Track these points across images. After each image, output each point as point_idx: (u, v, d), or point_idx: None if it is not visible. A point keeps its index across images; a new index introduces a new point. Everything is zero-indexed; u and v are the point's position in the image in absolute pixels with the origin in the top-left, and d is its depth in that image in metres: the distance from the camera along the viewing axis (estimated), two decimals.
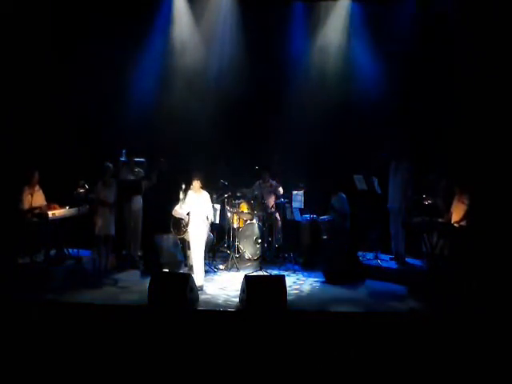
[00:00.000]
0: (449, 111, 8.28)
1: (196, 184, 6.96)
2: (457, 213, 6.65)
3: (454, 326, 5.31)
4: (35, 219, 6.88)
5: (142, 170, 7.69)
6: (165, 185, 7.84)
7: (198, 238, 6.89)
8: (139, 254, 7.72)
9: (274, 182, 8.55)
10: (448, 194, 6.86)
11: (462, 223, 6.54)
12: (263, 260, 7.84)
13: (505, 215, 6.57)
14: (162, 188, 7.86)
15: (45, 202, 7.25)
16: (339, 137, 8.88)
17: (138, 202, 7.62)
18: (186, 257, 7.56)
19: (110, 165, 7.21)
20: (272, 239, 8.29)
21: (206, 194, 7.10)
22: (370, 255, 7.84)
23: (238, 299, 6.11)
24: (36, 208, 7.01)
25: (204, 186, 7.18)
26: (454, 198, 6.78)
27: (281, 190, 8.43)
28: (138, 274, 7.25)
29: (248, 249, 8.18)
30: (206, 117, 8.81)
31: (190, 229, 7.00)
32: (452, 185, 6.86)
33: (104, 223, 6.95)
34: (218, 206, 7.88)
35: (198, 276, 6.68)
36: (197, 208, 6.96)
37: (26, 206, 7.00)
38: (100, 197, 6.99)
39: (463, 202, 6.57)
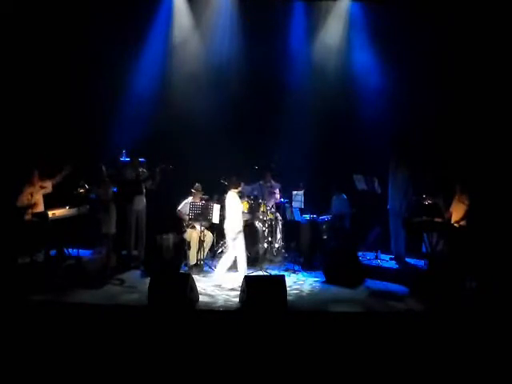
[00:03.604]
0: (449, 111, 8.29)
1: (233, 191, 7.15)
2: (457, 212, 6.65)
3: (453, 325, 5.31)
4: (35, 219, 6.89)
5: (145, 170, 7.70)
6: (167, 185, 7.85)
7: (231, 233, 7.02)
8: (136, 253, 7.70)
9: (274, 183, 8.56)
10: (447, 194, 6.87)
11: (462, 223, 6.54)
12: (263, 260, 7.84)
13: (504, 215, 6.57)
14: (164, 188, 7.87)
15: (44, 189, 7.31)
16: (340, 136, 8.89)
17: (140, 201, 7.62)
18: (186, 257, 7.57)
19: (103, 166, 7.34)
20: (272, 239, 8.29)
21: (234, 196, 7.16)
22: (370, 255, 7.85)
23: (238, 299, 6.11)
24: (34, 207, 7.06)
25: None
26: (453, 197, 6.78)
27: (277, 194, 8.44)
28: (138, 274, 7.25)
29: (248, 249, 8.16)
30: (207, 117, 8.82)
31: (225, 225, 7.17)
32: (452, 185, 6.87)
33: (104, 222, 7.07)
34: (217, 206, 7.88)
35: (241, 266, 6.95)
36: (227, 209, 7.12)
37: (25, 204, 7.02)
38: (101, 197, 7.07)
39: (463, 202, 6.57)
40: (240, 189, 7.35)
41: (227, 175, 8.14)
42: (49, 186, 7.36)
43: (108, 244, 7.24)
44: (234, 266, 7.69)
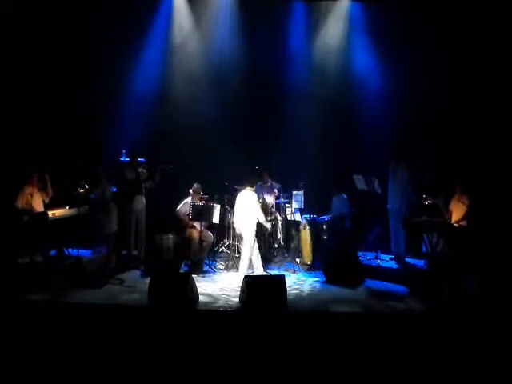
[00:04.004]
0: (449, 110, 8.29)
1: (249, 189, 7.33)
2: (457, 212, 6.64)
3: (453, 325, 5.31)
4: (35, 219, 6.89)
5: (145, 171, 7.70)
6: (167, 185, 7.85)
7: (244, 234, 7.25)
8: (136, 253, 7.71)
9: (273, 183, 8.55)
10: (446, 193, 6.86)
11: (462, 223, 6.53)
12: (263, 260, 7.83)
13: (504, 215, 6.57)
14: (164, 188, 7.87)
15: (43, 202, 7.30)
16: (340, 136, 8.89)
17: (140, 201, 7.63)
18: (186, 257, 7.57)
19: (100, 167, 7.35)
20: (272, 239, 8.29)
21: (252, 194, 7.32)
22: (370, 255, 7.85)
23: (238, 299, 6.11)
24: (34, 207, 7.07)
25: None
26: (453, 197, 6.76)
27: (277, 194, 8.45)
28: (138, 274, 7.25)
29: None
30: (207, 117, 8.82)
31: (236, 225, 7.45)
32: (452, 185, 6.86)
33: (104, 222, 7.09)
34: (217, 206, 7.88)
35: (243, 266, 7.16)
36: (242, 207, 7.28)
37: (24, 205, 7.03)
38: (99, 197, 7.11)
39: (463, 202, 6.55)
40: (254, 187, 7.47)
41: (227, 176, 8.17)
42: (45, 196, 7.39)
43: (109, 244, 7.25)
44: (233, 266, 7.75)
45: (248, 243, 7.21)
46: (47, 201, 7.38)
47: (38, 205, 7.19)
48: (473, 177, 6.95)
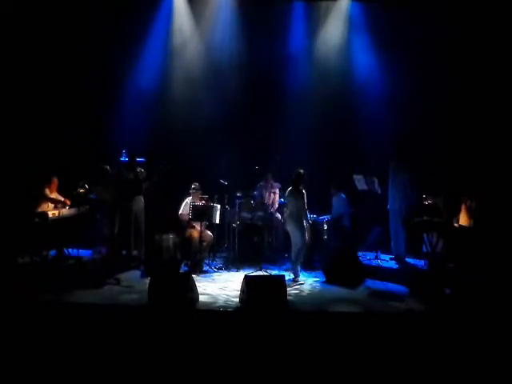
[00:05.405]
0: (450, 110, 8.30)
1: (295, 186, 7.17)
2: (464, 217, 6.63)
3: (453, 325, 5.31)
4: (35, 219, 6.90)
5: (143, 170, 7.70)
6: (167, 185, 7.84)
7: (292, 234, 7.14)
8: (136, 253, 7.70)
9: (274, 183, 8.55)
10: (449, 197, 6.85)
11: (465, 225, 6.53)
12: (263, 260, 7.83)
13: (505, 215, 6.57)
14: (164, 188, 7.87)
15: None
16: (339, 136, 8.89)
17: (139, 201, 7.63)
18: (186, 256, 7.57)
19: (107, 167, 7.30)
20: (272, 239, 8.29)
21: (298, 194, 7.15)
22: (370, 255, 7.84)
23: (238, 299, 6.11)
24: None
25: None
26: (461, 201, 6.73)
27: (277, 194, 8.43)
28: (138, 274, 7.25)
29: (251, 249, 8.15)
30: (207, 117, 8.82)
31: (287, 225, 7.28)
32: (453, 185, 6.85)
33: (108, 222, 7.16)
34: (218, 206, 7.88)
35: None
36: (290, 206, 7.15)
37: (58, 198, 7.31)
38: (101, 197, 7.10)
39: (470, 209, 6.51)
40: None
41: (227, 176, 8.17)
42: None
43: (109, 244, 7.25)
44: (233, 266, 7.74)
45: (295, 243, 7.11)
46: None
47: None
48: (479, 181, 6.93)
